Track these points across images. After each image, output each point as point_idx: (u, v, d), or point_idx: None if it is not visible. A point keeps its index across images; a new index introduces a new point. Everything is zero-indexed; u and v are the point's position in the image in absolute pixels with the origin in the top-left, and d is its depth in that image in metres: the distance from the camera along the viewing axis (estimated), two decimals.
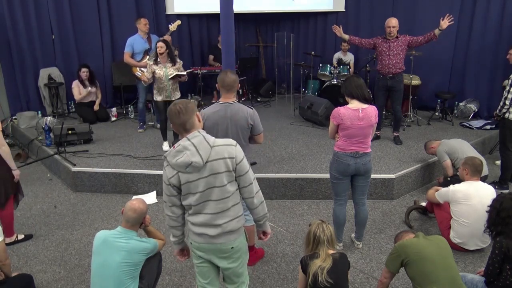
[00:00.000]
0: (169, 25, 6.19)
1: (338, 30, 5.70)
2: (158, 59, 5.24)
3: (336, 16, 8.35)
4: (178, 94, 5.41)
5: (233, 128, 3.12)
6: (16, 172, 3.80)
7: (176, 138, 5.54)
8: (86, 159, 5.33)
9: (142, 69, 6.14)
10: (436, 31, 5.24)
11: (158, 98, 5.39)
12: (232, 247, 2.40)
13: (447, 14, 5.27)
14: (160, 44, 5.16)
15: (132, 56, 6.28)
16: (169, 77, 5.21)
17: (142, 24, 6.26)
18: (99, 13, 7.53)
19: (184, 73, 5.30)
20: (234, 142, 2.34)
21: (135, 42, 6.25)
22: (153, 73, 5.25)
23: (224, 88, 3.12)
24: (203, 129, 3.12)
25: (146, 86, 6.06)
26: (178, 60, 5.33)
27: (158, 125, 6.46)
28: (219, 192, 2.28)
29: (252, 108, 3.20)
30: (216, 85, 3.20)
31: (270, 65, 9.42)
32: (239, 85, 3.28)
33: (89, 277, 2.98)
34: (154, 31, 7.46)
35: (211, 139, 2.27)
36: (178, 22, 6.24)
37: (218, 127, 3.13)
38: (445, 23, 5.19)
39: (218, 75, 3.18)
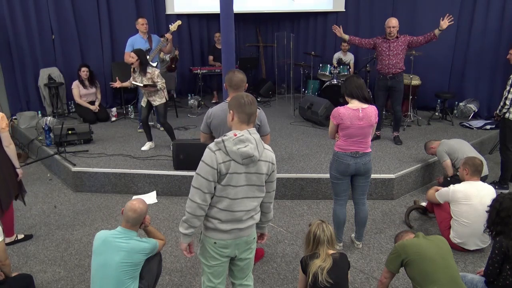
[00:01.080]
0: (170, 25, 6.20)
1: (338, 30, 5.70)
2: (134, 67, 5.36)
3: (336, 16, 8.37)
4: (156, 101, 5.41)
5: None
6: (20, 171, 3.83)
7: (174, 139, 5.57)
8: (86, 159, 5.33)
9: None
10: (436, 31, 5.24)
11: (141, 101, 5.60)
12: (254, 238, 2.50)
13: (447, 14, 5.27)
14: (132, 54, 5.23)
15: None
16: (132, 83, 5.38)
17: (140, 24, 6.27)
18: (99, 13, 7.53)
19: (145, 84, 5.25)
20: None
21: (136, 42, 6.24)
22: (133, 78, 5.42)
23: (231, 87, 3.12)
24: (209, 128, 3.14)
25: None
26: (149, 70, 5.26)
27: (158, 125, 6.49)
28: (257, 190, 2.36)
29: (259, 108, 3.21)
30: (224, 84, 3.20)
31: (270, 65, 9.43)
32: (247, 84, 3.27)
33: (89, 277, 2.98)
34: (154, 31, 7.46)
35: (262, 140, 2.37)
36: (179, 22, 6.24)
37: (225, 126, 3.12)
38: (445, 23, 5.19)
39: (226, 75, 3.18)
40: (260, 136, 3.19)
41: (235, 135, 2.25)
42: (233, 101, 2.33)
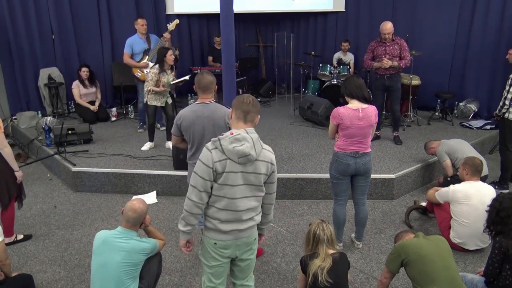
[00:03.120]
0: (168, 25, 6.21)
1: (386, 62, 5.46)
2: (164, 67, 5.27)
3: (336, 16, 8.37)
4: (170, 99, 5.56)
5: (210, 128, 3.14)
6: (19, 174, 3.79)
7: (170, 139, 5.58)
8: (86, 159, 5.33)
9: (143, 69, 6.18)
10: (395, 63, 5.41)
11: (153, 102, 5.40)
12: (255, 238, 2.49)
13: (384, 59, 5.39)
14: (171, 54, 5.24)
15: (132, 56, 6.28)
16: (171, 83, 5.35)
17: (139, 25, 6.27)
18: (99, 13, 7.53)
19: (183, 79, 5.40)
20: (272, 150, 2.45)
21: (135, 43, 6.25)
22: (157, 80, 5.28)
23: (200, 89, 3.19)
24: (179, 130, 3.17)
25: None
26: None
27: (158, 125, 6.48)
28: (255, 190, 2.36)
29: (230, 108, 3.21)
30: (194, 86, 3.24)
31: (270, 65, 9.42)
32: (217, 86, 3.31)
33: (89, 277, 2.98)
34: (154, 31, 7.46)
35: (260, 140, 2.36)
36: (177, 21, 6.26)
37: (195, 126, 3.14)
38: (386, 63, 5.36)
39: (195, 77, 3.24)
40: None
41: (232, 133, 2.27)
42: (235, 100, 2.40)
